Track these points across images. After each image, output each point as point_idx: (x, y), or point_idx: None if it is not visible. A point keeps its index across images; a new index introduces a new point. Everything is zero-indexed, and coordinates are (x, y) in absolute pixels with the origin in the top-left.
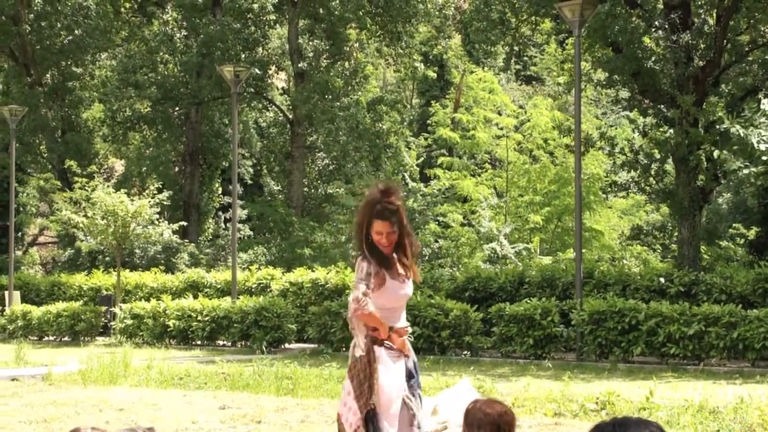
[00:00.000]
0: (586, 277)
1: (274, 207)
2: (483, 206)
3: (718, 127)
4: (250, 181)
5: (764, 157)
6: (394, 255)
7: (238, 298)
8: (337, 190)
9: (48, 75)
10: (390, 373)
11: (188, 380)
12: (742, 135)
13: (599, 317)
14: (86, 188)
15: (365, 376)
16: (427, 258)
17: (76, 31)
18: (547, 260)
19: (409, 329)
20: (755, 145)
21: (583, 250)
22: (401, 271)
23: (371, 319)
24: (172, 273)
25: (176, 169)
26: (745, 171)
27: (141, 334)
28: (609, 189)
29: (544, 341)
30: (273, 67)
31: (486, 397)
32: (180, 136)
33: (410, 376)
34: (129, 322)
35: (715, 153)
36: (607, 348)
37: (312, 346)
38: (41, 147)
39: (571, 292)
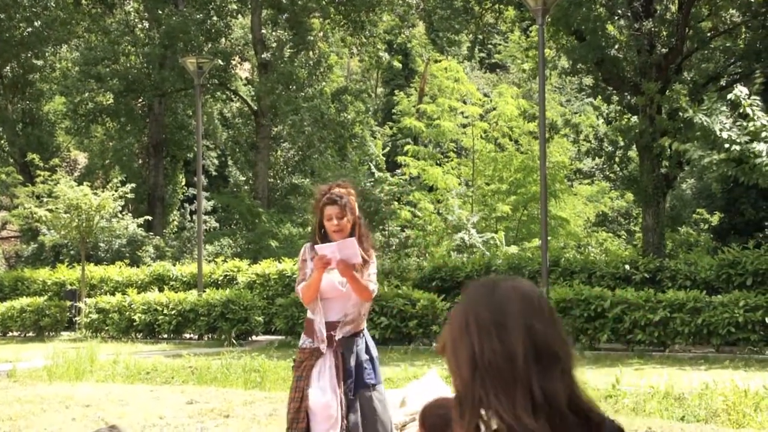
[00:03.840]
0: (552, 265)
1: (239, 198)
2: (452, 195)
3: (681, 114)
4: (215, 173)
5: (726, 145)
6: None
7: (204, 291)
8: (303, 180)
9: (8, 68)
10: (315, 393)
11: (155, 375)
12: (705, 123)
13: (566, 305)
14: (49, 182)
15: (294, 396)
16: (394, 248)
17: (35, 23)
18: (513, 249)
19: (347, 328)
20: (717, 133)
21: (549, 238)
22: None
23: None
24: (138, 266)
25: (140, 161)
26: (707, 159)
27: (107, 328)
28: (574, 176)
29: None
30: (236, 58)
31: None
32: (143, 128)
33: (349, 376)
34: (94, 316)
35: (674, 145)
36: (574, 335)
37: (279, 338)
38: (2, 141)
39: (538, 280)
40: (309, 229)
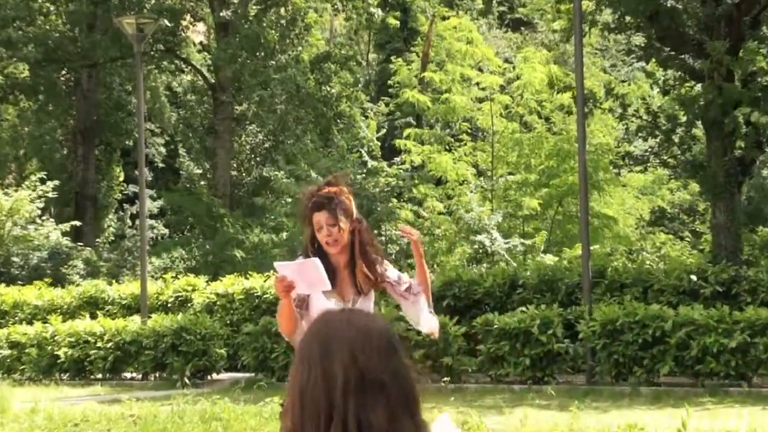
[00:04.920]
0: (597, 277)
1: (195, 197)
2: (471, 188)
3: (759, 80)
4: (162, 165)
5: None
6: (352, 264)
7: (149, 317)
8: (276, 173)
9: None
10: None
11: (86, 426)
12: None
13: (614, 328)
14: None
15: None
16: (393, 257)
17: None
18: (549, 258)
19: None
20: None
21: (592, 243)
22: (351, 286)
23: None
24: (63, 287)
25: (65, 151)
26: None
27: (22, 368)
28: (622, 162)
29: (545, 361)
30: (188, 17)
31: None
32: (69, 109)
33: None
34: (6, 352)
35: (752, 118)
36: (626, 367)
37: (247, 375)
38: None
39: (578, 297)
40: (286, 234)
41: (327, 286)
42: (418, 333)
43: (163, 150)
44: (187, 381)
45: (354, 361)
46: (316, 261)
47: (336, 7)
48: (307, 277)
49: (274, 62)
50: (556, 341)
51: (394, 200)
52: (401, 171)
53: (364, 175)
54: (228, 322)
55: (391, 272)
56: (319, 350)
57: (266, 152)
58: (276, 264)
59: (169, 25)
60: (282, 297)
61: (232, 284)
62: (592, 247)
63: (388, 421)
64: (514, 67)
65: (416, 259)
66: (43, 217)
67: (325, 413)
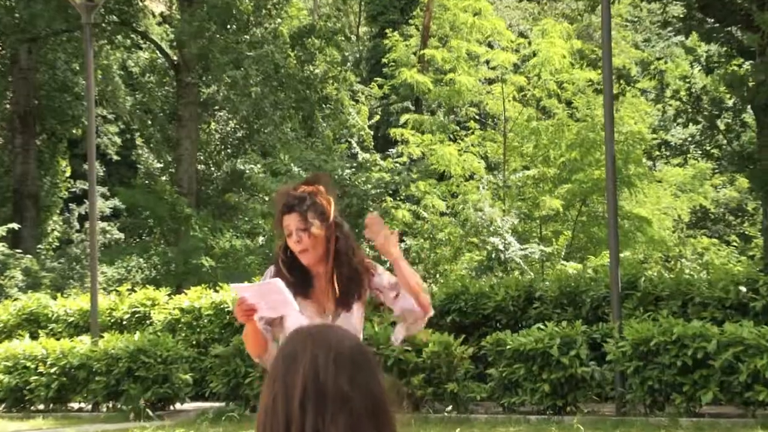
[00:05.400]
0: (628, 289)
1: (155, 195)
2: (483, 183)
3: None
4: (116, 158)
5: None
6: (327, 273)
7: (101, 337)
8: (250, 167)
9: None
10: None
11: None
12: None
13: (648, 349)
14: None
15: None
16: (388, 266)
17: None
18: (571, 266)
19: None
20: None
21: (622, 249)
22: (331, 300)
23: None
24: None
25: (0, 140)
26: None
27: None
28: (658, 154)
29: (567, 387)
30: None
31: None
32: (4, 91)
33: None
34: None
35: None
36: (662, 395)
37: (216, 405)
38: None
39: (605, 312)
40: (262, 239)
41: (292, 308)
42: (418, 353)
43: (117, 140)
44: (146, 412)
45: (315, 373)
46: (278, 283)
47: None
48: (269, 299)
49: (247, 37)
50: (580, 364)
51: (389, 199)
52: (397, 165)
53: (353, 170)
54: (194, 342)
55: (380, 279)
56: (283, 367)
57: (239, 143)
58: (233, 286)
59: None
60: (243, 322)
61: (198, 298)
62: (621, 254)
63: None
64: (529, 43)
65: (393, 264)
66: None
67: (283, 427)
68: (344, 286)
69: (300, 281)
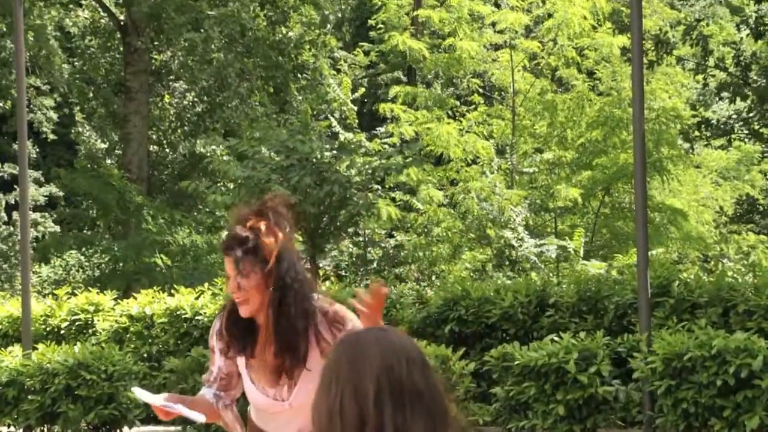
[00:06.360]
0: (659, 294)
1: (100, 180)
2: (493, 166)
3: None
4: (52, 136)
5: None
6: (266, 326)
7: (34, 349)
8: (212, 147)
9: None
10: None
11: None
12: None
13: (682, 365)
14: None
15: None
16: (375, 267)
17: None
18: (592, 266)
19: None
20: None
21: (652, 246)
22: (272, 371)
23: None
24: None
25: None
26: None
27: None
28: (696, 134)
29: (586, 409)
30: None
31: None
32: None
33: None
34: None
35: None
36: (699, 419)
37: (173, 428)
38: None
39: (632, 322)
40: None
41: (199, 420)
42: None
43: (53, 115)
44: None
45: (389, 371)
46: (178, 407)
47: None
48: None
49: None
50: (601, 383)
51: (377, 186)
52: (386, 146)
53: (334, 153)
54: (145, 355)
55: (340, 328)
56: (347, 371)
57: (198, 119)
58: (134, 389)
59: None
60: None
61: (150, 303)
62: (652, 252)
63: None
64: (544, 1)
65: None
66: None
67: (356, 429)
68: (279, 348)
69: (243, 335)
